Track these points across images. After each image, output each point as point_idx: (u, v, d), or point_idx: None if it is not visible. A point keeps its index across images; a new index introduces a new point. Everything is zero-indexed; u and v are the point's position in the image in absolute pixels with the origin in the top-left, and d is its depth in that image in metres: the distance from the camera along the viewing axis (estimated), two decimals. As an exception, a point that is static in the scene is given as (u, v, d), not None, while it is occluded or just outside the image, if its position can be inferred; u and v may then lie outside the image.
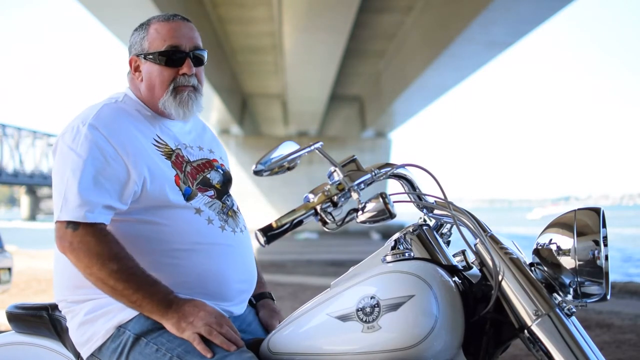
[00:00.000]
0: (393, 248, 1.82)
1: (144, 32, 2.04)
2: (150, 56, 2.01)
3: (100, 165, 1.88)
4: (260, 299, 2.19)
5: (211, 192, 2.03)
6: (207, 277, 1.94)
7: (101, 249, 1.83)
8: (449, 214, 1.79)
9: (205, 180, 2.04)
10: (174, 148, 2.02)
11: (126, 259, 1.85)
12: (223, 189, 2.08)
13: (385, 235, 28.24)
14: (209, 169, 2.08)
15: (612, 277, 1.69)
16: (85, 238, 1.84)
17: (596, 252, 1.65)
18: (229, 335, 1.79)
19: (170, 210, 1.93)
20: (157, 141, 2.00)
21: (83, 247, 1.84)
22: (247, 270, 2.05)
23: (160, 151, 1.98)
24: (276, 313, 2.15)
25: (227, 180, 2.12)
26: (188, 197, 1.96)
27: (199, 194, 1.99)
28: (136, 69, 2.06)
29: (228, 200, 2.07)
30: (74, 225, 1.85)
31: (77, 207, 1.84)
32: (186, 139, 2.09)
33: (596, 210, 1.69)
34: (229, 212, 2.04)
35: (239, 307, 2.03)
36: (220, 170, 2.12)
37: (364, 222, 1.71)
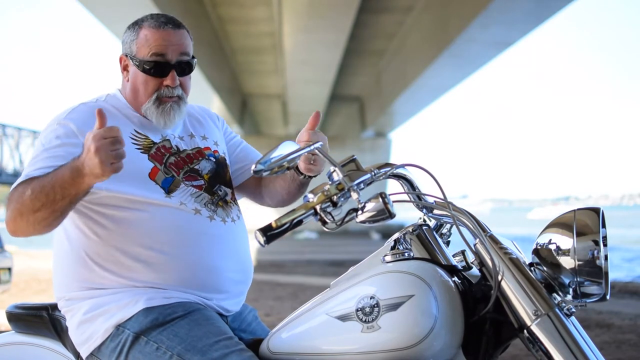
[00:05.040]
0: (393, 248, 1.82)
1: (135, 34, 2.03)
2: (137, 62, 2.01)
3: (61, 154, 1.87)
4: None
5: (200, 182, 2.02)
6: (198, 268, 1.93)
7: (15, 193, 1.82)
8: (449, 214, 1.79)
9: (193, 170, 2.03)
10: (157, 141, 2.02)
11: (35, 180, 1.81)
12: (213, 179, 2.06)
13: (385, 235, 28.25)
14: (199, 158, 2.07)
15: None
16: (8, 199, 1.83)
17: (596, 252, 1.65)
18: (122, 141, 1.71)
19: (151, 205, 1.92)
20: (135, 135, 2.00)
21: (8, 210, 1.83)
22: (240, 259, 2.03)
23: (138, 145, 1.98)
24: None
25: (219, 167, 2.11)
26: (169, 189, 1.95)
27: (183, 185, 1.98)
28: (125, 67, 2.07)
29: (220, 190, 2.06)
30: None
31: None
32: (175, 130, 2.09)
33: (596, 210, 1.69)
34: (219, 202, 2.03)
35: (236, 301, 2.02)
36: (212, 159, 2.10)
37: (363, 222, 1.71)
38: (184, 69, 2.04)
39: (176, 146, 2.05)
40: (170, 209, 1.93)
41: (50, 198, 1.77)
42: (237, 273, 2.01)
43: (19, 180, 1.85)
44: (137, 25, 2.04)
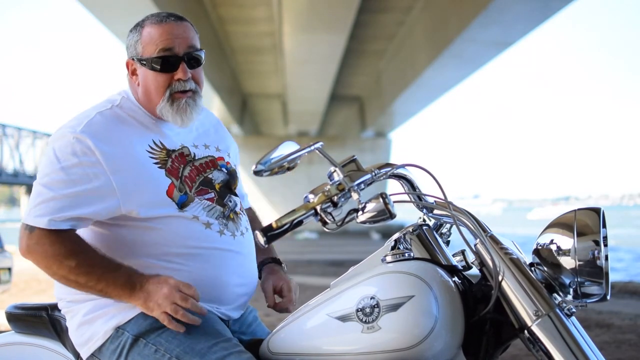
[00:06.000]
0: (393, 248, 1.81)
1: (138, 34, 1.98)
2: (144, 61, 1.96)
3: (79, 177, 1.85)
4: (263, 265, 2.17)
5: (211, 195, 1.98)
6: (204, 282, 1.91)
7: (56, 249, 1.83)
8: (449, 214, 1.79)
9: (206, 180, 1.99)
10: (174, 149, 1.98)
11: (84, 252, 1.84)
12: (224, 190, 2.03)
13: (385, 235, 28.24)
14: (212, 168, 2.03)
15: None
16: (41, 240, 1.84)
17: (596, 252, 1.64)
18: (195, 309, 1.80)
19: (164, 218, 1.90)
20: (152, 147, 1.95)
21: (39, 249, 1.85)
22: (246, 274, 2.01)
23: (155, 158, 1.94)
24: (281, 278, 2.12)
25: (231, 179, 2.07)
26: (182, 204, 1.92)
27: (197, 199, 1.95)
28: (133, 72, 2.01)
29: (230, 202, 2.02)
30: (30, 228, 1.85)
31: (41, 215, 1.84)
32: (191, 138, 2.05)
33: (596, 211, 1.69)
34: (230, 215, 2.00)
35: (238, 310, 2.01)
36: (224, 169, 2.06)
37: (364, 222, 1.71)
38: (193, 62, 1.98)
39: (194, 153, 2.01)
40: (182, 220, 1.91)
41: (90, 285, 1.83)
42: (241, 287, 2.00)
43: (39, 209, 1.84)
44: (138, 26, 2.00)
